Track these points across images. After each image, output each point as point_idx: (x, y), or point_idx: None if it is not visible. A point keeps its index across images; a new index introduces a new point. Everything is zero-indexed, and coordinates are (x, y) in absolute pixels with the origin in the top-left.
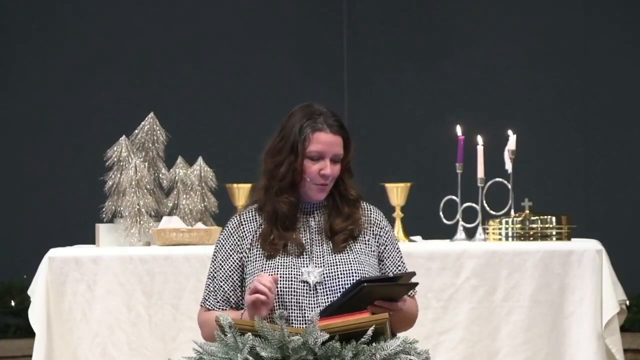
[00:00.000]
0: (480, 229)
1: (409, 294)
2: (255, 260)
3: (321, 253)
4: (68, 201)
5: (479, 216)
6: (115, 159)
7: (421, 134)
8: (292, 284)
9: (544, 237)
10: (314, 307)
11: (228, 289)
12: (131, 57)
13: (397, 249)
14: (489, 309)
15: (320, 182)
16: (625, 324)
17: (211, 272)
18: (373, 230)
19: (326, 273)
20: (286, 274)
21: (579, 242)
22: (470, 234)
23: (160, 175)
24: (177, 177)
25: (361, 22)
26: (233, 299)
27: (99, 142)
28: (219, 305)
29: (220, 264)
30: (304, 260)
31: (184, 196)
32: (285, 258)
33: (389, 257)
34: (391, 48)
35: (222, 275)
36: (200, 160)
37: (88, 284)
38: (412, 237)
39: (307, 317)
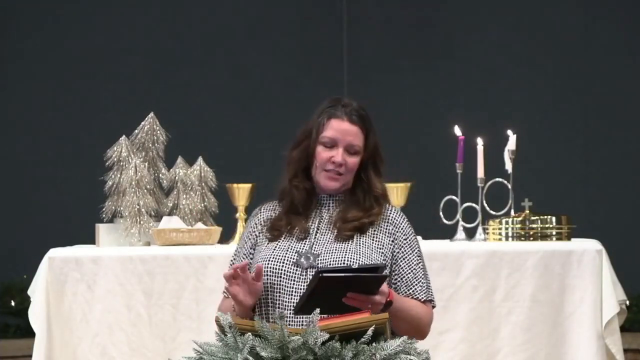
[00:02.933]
0: (480, 229)
1: (420, 298)
2: (261, 244)
3: (323, 240)
4: (68, 201)
5: (479, 216)
6: (115, 159)
7: (421, 134)
8: (283, 266)
9: (544, 237)
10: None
11: None
12: (131, 57)
13: (416, 252)
14: (489, 309)
15: (329, 169)
16: (625, 324)
17: (230, 262)
18: (388, 229)
19: (321, 259)
20: (280, 257)
21: (579, 242)
22: (470, 234)
23: (160, 175)
24: (177, 177)
25: (361, 22)
26: None
27: (99, 142)
28: None
29: (237, 252)
30: (303, 246)
31: (184, 196)
32: (286, 242)
33: (404, 259)
34: (391, 48)
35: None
36: (200, 160)
37: (88, 284)
38: None
39: (296, 300)
